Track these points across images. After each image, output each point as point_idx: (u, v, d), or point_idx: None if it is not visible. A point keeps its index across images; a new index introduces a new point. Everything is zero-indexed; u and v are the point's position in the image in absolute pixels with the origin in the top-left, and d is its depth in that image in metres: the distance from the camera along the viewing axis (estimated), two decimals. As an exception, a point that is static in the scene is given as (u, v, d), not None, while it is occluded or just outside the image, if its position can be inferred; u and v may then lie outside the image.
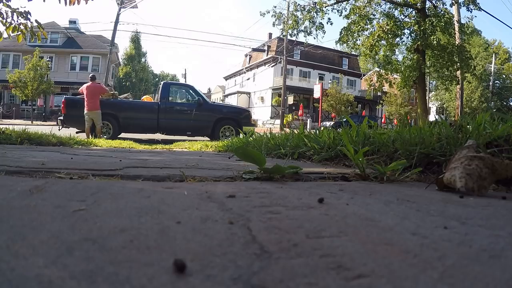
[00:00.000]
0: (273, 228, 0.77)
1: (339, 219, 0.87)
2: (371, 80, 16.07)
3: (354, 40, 14.21)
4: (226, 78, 50.88)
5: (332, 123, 23.23)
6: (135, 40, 45.81)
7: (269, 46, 38.18)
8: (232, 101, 40.51)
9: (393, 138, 2.19)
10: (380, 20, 13.96)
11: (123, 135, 9.28)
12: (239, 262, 0.57)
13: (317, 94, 23.73)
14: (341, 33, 14.19)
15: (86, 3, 5.33)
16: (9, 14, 5.39)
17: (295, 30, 14.56)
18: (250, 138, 4.38)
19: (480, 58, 38.08)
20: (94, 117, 8.50)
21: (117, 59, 38.27)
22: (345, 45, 14.62)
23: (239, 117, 10.11)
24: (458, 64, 13.40)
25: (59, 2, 5.17)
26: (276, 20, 14.88)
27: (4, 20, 5.39)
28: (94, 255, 0.58)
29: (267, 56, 38.13)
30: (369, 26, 13.97)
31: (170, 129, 9.70)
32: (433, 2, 13.79)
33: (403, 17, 13.93)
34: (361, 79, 39.26)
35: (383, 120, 25.44)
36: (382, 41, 13.70)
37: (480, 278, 0.52)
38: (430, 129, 2.08)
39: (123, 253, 0.59)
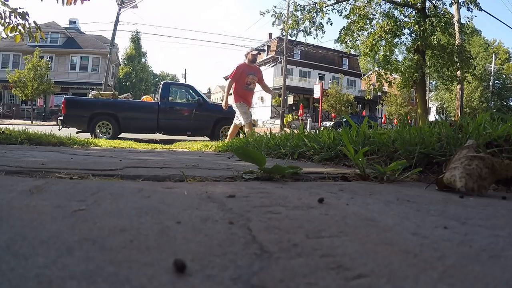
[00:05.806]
0: (273, 228, 0.77)
1: (339, 219, 0.87)
2: (370, 80, 16.09)
3: (354, 40, 14.24)
4: (226, 78, 50.83)
5: (332, 123, 23.22)
6: (135, 40, 45.86)
7: (269, 46, 38.18)
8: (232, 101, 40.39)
9: (393, 138, 2.19)
10: (380, 20, 13.98)
11: (123, 135, 9.28)
12: (239, 262, 0.57)
13: (317, 94, 23.72)
14: (340, 32, 14.21)
15: (82, 3, 5.34)
16: (7, 14, 5.41)
17: (295, 30, 14.59)
18: (250, 138, 4.38)
19: (480, 58, 38.08)
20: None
21: (117, 59, 38.29)
22: (344, 44, 14.63)
23: None
24: (458, 64, 13.41)
25: (57, 2, 5.17)
26: (276, 20, 14.90)
27: (3, 20, 5.40)
28: (94, 255, 0.58)
29: (267, 56, 38.12)
30: (368, 26, 13.99)
31: (170, 129, 9.69)
32: (433, 2, 13.80)
33: (403, 17, 13.95)
34: (361, 79, 39.25)
35: (383, 120, 25.43)
36: (382, 41, 13.72)
37: (480, 278, 0.52)
38: (430, 129, 2.07)
39: (123, 253, 0.59)
